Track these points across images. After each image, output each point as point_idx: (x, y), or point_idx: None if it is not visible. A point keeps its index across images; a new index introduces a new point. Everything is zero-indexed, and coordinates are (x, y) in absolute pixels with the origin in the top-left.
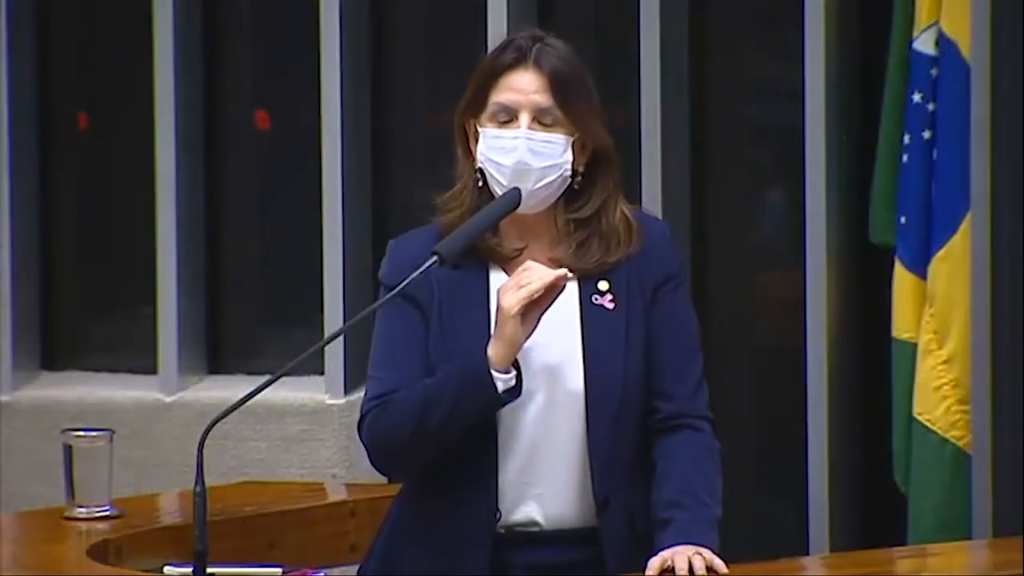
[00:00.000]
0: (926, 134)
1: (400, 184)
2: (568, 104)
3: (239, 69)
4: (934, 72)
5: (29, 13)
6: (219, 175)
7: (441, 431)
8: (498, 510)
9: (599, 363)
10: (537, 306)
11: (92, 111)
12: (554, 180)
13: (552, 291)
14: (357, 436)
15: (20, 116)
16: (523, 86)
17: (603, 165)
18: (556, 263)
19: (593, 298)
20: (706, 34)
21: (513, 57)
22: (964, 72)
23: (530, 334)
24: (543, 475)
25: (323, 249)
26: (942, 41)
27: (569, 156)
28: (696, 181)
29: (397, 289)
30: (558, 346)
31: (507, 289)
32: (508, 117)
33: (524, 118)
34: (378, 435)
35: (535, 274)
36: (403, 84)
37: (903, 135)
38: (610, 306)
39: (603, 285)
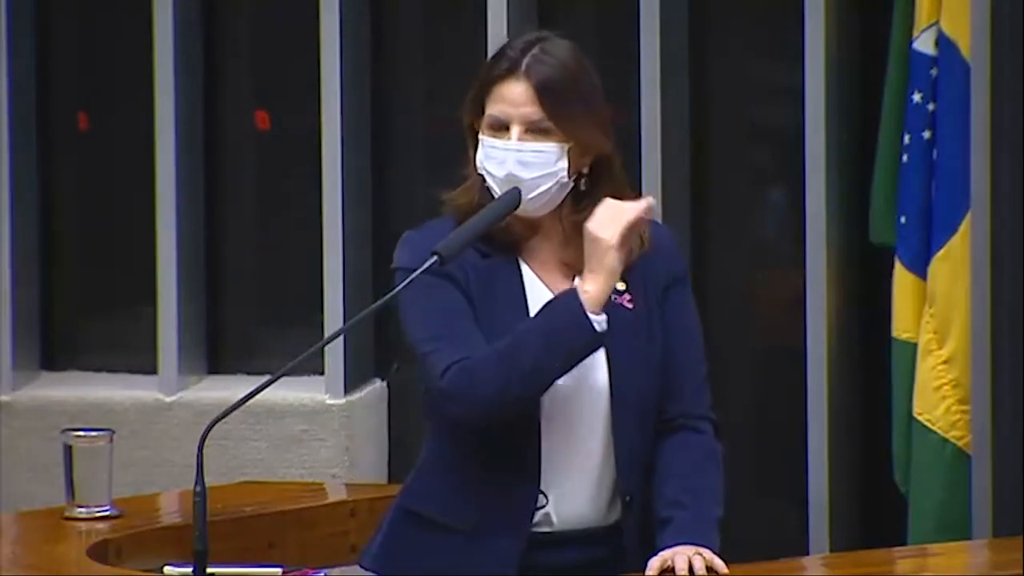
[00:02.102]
0: (926, 134)
1: (400, 184)
2: (558, 115)
3: (239, 69)
4: (934, 72)
5: (29, 13)
6: (219, 175)
7: (536, 371)
8: (543, 493)
9: (623, 363)
10: (627, 238)
11: (92, 111)
12: (549, 188)
13: (642, 222)
14: (357, 436)
15: (20, 116)
16: (513, 98)
17: (605, 168)
18: (567, 267)
19: (613, 298)
20: (706, 34)
21: (505, 68)
22: (964, 72)
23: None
24: (562, 477)
25: (323, 249)
26: (942, 41)
27: (563, 164)
28: (696, 181)
29: (397, 289)
30: None
31: (601, 221)
32: (501, 128)
33: (515, 130)
34: (470, 381)
35: (626, 205)
36: (403, 84)
37: (903, 135)
38: (629, 306)
39: (621, 285)
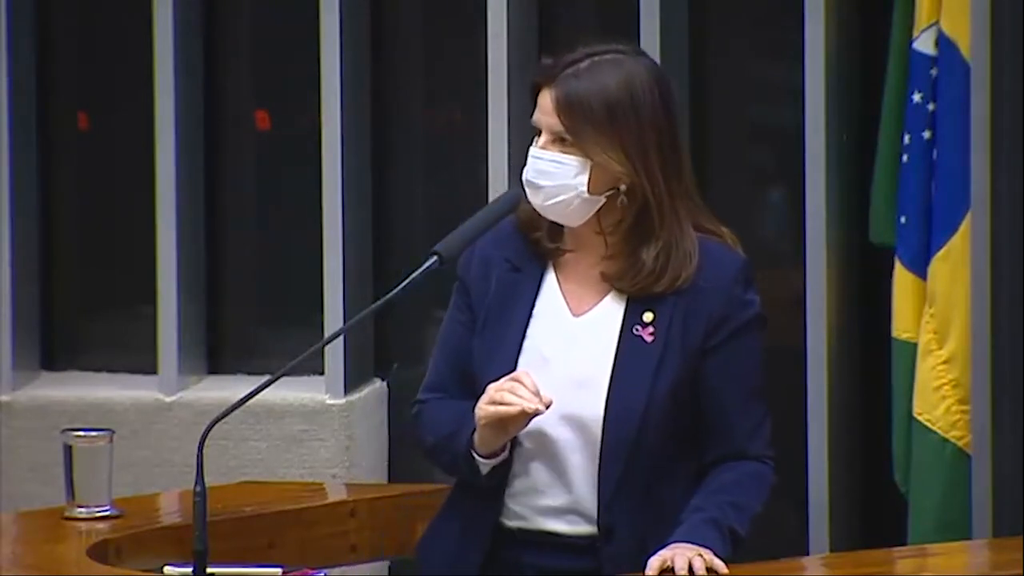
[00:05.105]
0: (926, 134)
1: (400, 184)
2: (574, 130)
3: (239, 69)
4: (934, 72)
5: (29, 13)
6: (219, 175)
7: (449, 472)
8: (501, 519)
9: (622, 393)
10: (515, 421)
11: (92, 111)
12: (568, 199)
13: (524, 417)
14: (357, 436)
15: (20, 116)
16: (544, 105)
17: (642, 195)
18: (605, 279)
19: (635, 328)
20: (706, 34)
21: (544, 74)
22: (964, 72)
23: (515, 433)
24: (557, 488)
25: (323, 249)
26: (942, 41)
27: (583, 179)
28: (696, 181)
29: (397, 289)
30: (588, 366)
31: (488, 393)
32: (538, 132)
33: (543, 136)
34: (418, 434)
35: (517, 394)
36: (403, 84)
37: (903, 135)
38: (649, 339)
39: (648, 316)
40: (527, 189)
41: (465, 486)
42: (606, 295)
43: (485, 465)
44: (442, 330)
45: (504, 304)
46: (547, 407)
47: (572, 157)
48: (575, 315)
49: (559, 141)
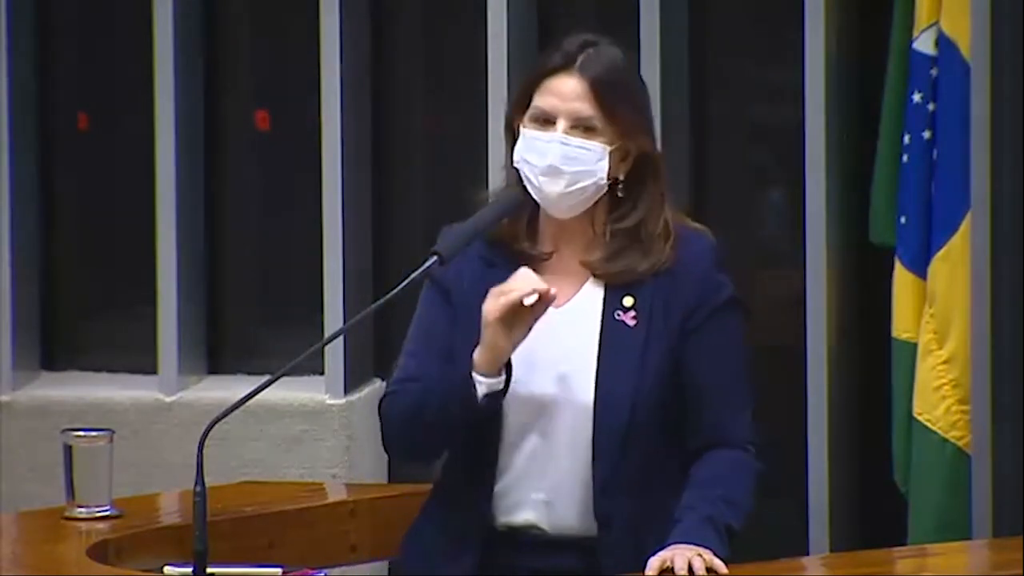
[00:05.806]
0: (926, 134)
1: (400, 184)
2: (611, 113)
3: (239, 69)
4: (934, 72)
5: (29, 13)
6: (219, 175)
7: (435, 428)
8: (491, 518)
9: (610, 379)
10: (527, 314)
11: (92, 111)
12: (586, 186)
13: (543, 302)
14: (357, 436)
15: (20, 116)
16: (564, 92)
17: (648, 174)
18: (586, 267)
19: (616, 313)
20: (706, 34)
21: (558, 62)
22: (964, 72)
23: (520, 341)
24: (547, 483)
25: (323, 249)
26: (942, 41)
27: (604, 165)
28: (696, 181)
29: (397, 289)
30: (573, 356)
31: (492, 294)
32: (546, 121)
33: (562, 123)
34: (386, 419)
35: (520, 282)
36: (403, 84)
37: (903, 135)
38: (631, 323)
39: (628, 301)
40: (546, 177)
41: (447, 485)
42: (584, 283)
43: (483, 385)
44: (419, 324)
45: (477, 301)
46: (553, 297)
47: (596, 143)
48: (555, 306)
49: (577, 128)
